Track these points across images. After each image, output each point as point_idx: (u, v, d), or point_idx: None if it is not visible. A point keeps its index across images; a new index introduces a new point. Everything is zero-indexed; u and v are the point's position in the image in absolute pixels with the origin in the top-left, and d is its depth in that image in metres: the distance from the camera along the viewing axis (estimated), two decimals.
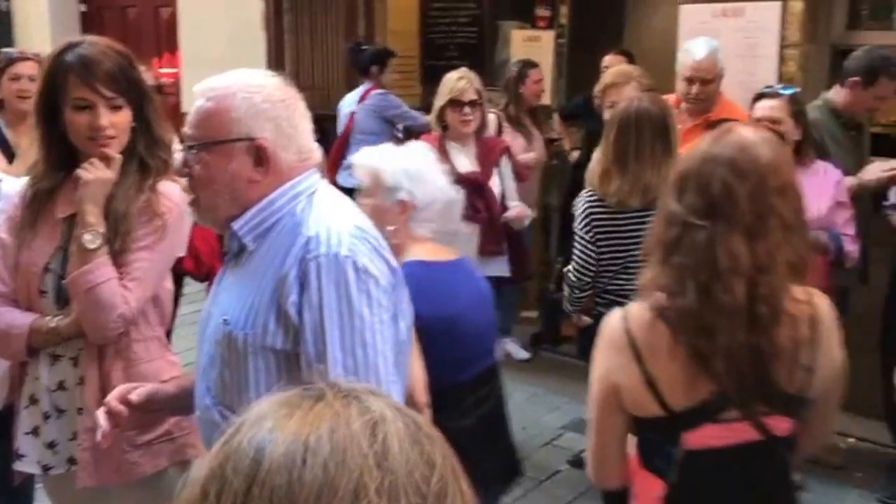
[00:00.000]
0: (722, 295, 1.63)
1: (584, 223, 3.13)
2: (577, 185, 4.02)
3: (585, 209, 3.13)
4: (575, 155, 5.19)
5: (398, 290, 1.73)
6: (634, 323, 1.72)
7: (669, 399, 1.68)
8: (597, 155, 3.24)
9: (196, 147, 1.71)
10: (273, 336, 1.64)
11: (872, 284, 3.71)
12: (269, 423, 0.77)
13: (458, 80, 3.87)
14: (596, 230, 3.12)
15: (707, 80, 3.77)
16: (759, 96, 3.40)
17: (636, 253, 3.05)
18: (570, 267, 3.22)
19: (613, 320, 1.77)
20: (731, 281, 1.63)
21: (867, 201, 3.72)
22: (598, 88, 3.71)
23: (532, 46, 5.80)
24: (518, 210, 4.03)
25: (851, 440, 4.35)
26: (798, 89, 3.52)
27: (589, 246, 3.14)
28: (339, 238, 1.62)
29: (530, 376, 5.01)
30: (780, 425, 1.72)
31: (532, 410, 4.65)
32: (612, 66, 4.85)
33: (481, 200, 3.93)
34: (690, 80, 3.77)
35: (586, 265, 3.16)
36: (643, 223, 3.02)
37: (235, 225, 1.71)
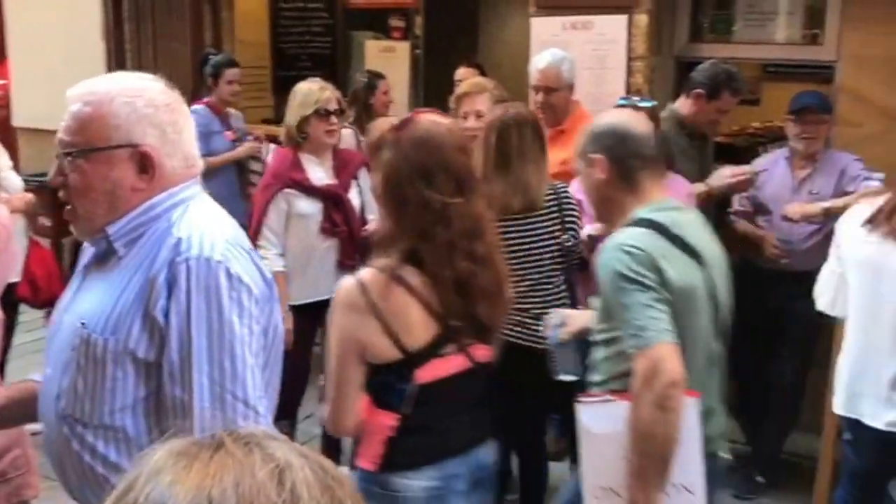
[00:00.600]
0: (468, 252, 2.03)
1: None
2: None
3: None
4: None
5: (271, 303, 1.67)
6: (371, 285, 2.02)
7: (406, 343, 2.02)
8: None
9: (73, 154, 1.61)
10: (136, 342, 1.56)
11: None
12: (168, 477, 0.71)
13: (321, 90, 3.76)
14: None
15: (551, 89, 3.83)
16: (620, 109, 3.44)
17: (521, 258, 3.10)
18: None
19: (349, 286, 2.05)
20: (477, 240, 2.05)
21: (711, 208, 3.85)
22: (452, 99, 3.70)
23: (387, 57, 5.76)
24: (377, 224, 3.95)
25: None
26: (655, 102, 3.61)
27: None
28: (212, 243, 1.58)
29: None
30: (481, 353, 2.17)
31: None
32: (465, 78, 4.86)
33: (340, 214, 3.83)
34: (536, 89, 3.86)
35: None
36: (525, 227, 3.08)
37: (111, 229, 1.62)
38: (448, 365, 2.09)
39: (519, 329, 3.15)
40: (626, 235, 2.19)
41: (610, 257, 2.18)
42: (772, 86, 6.29)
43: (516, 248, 3.10)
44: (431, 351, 2.05)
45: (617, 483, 2.12)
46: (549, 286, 3.22)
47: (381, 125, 2.16)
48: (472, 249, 2.04)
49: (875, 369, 2.70)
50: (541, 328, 3.15)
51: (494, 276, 2.12)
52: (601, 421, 2.16)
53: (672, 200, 2.37)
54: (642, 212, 2.24)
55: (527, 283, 3.15)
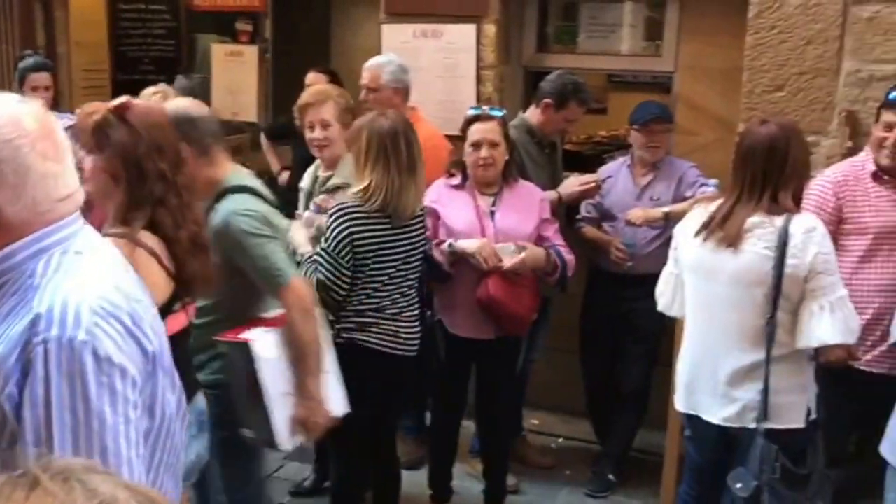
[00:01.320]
0: (194, 215, 2.26)
1: (341, 240, 3.02)
2: (288, 207, 3.90)
3: (344, 225, 3.02)
4: (285, 176, 5.05)
5: (155, 377, 1.46)
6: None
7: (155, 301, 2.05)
8: (346, 171, 3.28)
9: None
10: None
11: (570, 292, 3.94)
12: None
13: (153, 95, 3.60)
14: (356, 245, 3.02)
15: (371, 89, 4.05)
16: (474, 119, 3.46)
17: (398, 265, 3.09)
18: (318, 287, 3.05)
19: None
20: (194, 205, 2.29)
21: (561, 214, 3.94)
22: (295, 108, 3.63)
23: (235, 62, 5.59)
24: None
25: (560, 440, 4.61)
26: (505, 111, 3.66)
27: (344, 262, 3.03)
28: (76, 317, 1.34)
29: None
30: (192, 310, 2.36)
31: None
32: (314, 83, 4.77)
33: None
34: (361, 87, 4.09)
35: (341, 282, 3.05)
36: (403, 234, 3.10)
37: None
38: (176, 321, 2.21)
39: (390, 338, 3.12)
40: (236, 202, 2.60)
41: (229, 223, 2.57)
42: (617, 95, 6.51)
43: (394, 254, 3.08)
44: (168, 308, 2.15)
45: (288, 388, 2.65)
46: (414, 294, 3.21)
47: (89, 109, 2.18)
48: (195, 213, 2.30)
49: (711, 367, 2.82)
50: (410, 336, 3.15)
51: (206, 237, 2.35)
52: (269, 347, 2.60)
53: (241, 168, 2.84)
54: (233, 180, 2.66)
55: (401, 290, 3.13)
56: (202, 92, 4.89)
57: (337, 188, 3.45)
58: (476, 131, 3.42)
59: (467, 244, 3.38)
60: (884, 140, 3.16)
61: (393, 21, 4.67)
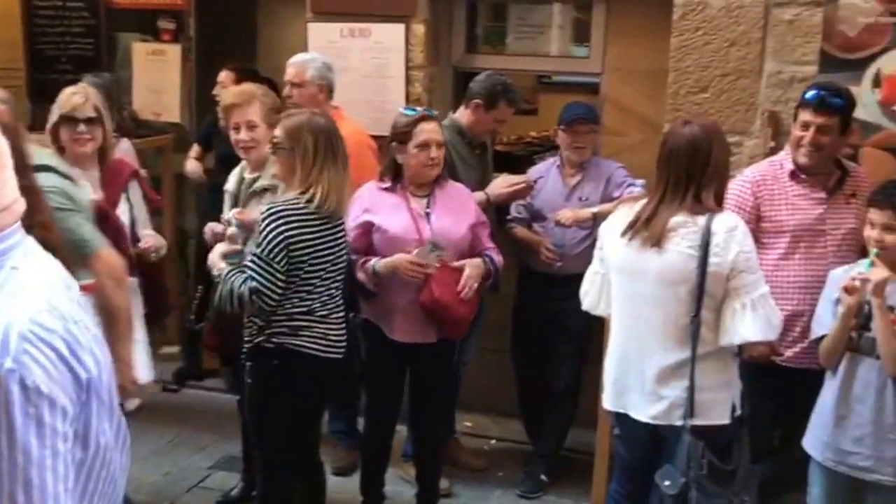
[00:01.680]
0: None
1: (277, 244, 2.93)
2: (214, 208, 3.81)
3: (279, 229, 2.94)
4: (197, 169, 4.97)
5: (89, 406, 1.38)
6: None
7: None
8: (271, 172, 3.23)
9: None
10: None
11: (502, 293, 3.94)
12: None
13: (72, 95, 3.47)
14: (291, 248, 2.95)
15: (295, 84, 4.01)
16: (420, 119, 3.39)
17: (332, 264, 3.03)
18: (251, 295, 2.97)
19: None
20: None
21: (491, 215, 3.93)
22: (220, 109, 3.54)
23: (157, 61, 5.45)
24: (151, 241, 3.69)
25: (493, 442, 4.60)
26: (436, 112, 3.63)
27: (279, 267, 2.95)
28: (4, 342, 1.25)
29: (172, 417, 4.69)
30: None
31: (175, 454, 4.34)
32: (226, 82, 4.68)
33: (107, 231, 3.54)
34: (285, 83, 4.07)
35: (275, 287, 2.97)
36: (335, 233, 3.04)
37: None
38: None
39: (321, 341, 3.07)
40: (39, 180, 2.65)
41: None
42: (548, 96, 6.55)
43: (326, 254, 3.04)
44: None
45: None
46: (339, 295, 3.16)
47: None
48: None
49: (638, 366, 2.83)
50: (339, 337, 3.10)
51: None
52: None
53: (42, 147, 3.02)
54: (37, 160, 2.63)
55: (329, 292, 3.09)
56: (116, 89, 4.76)
57: (265, 190, 3.38)
58: (423, 131, 3.38)
59: (387, 264, 3.35)
60: (801, 139, 3.23)
61: (320, 20, 4.61)
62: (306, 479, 3.37)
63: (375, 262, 3.36)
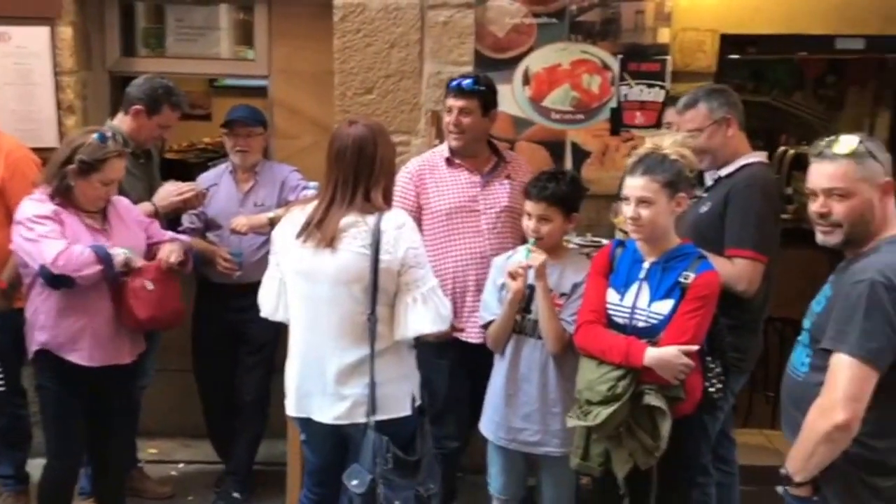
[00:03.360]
0: None
1: None
2: None
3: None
4: None
5: None
6: None
7: None
8: None
9: None
10: None
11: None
12: None
13: None
14: None
15: None
16: (117, 154, 3.16)
17: None
18: None
19: None
20: None
21: (164, 226, 3.72)
22: None
23: None
24: None
25: (181, 466, 4.37)
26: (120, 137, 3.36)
27: None
28: None
29: None
30: None
31: None
32: None
33: None
34: None
35: None
36: None
37: None
38: None
39: None
40: None
41: None
42: (221, 100, 6.34)
43: None
44: None
45: None
46: None
47: None
48: None
49: (319, 367, 2.80)
50: None
51: None
52: None
53: None
54: None
55: None
56: None
57: None
58: (114, 169, 3.18)
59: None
60: (448, 124, 3.42)
61: None
62: None
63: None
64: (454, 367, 3.43)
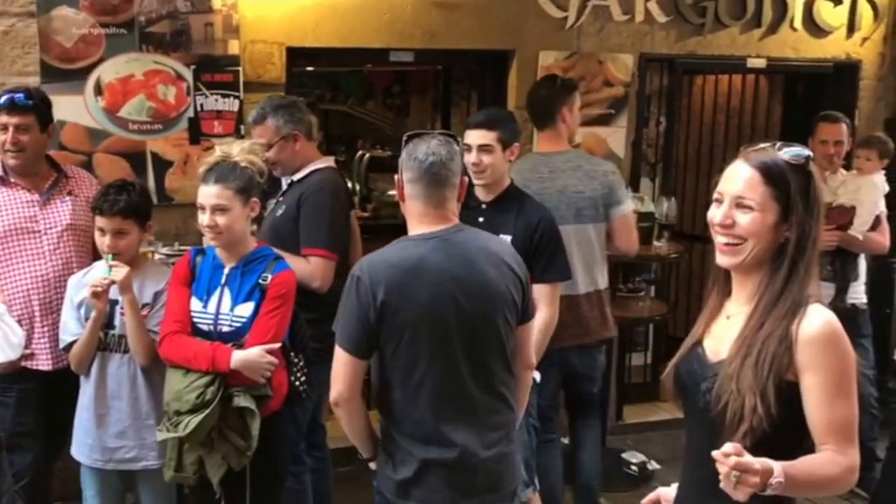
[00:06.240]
0: None
1: None
2: None
3: None
4: None
5: None
6: None
7: None
8: None
9: None
10: None
11: None
12: None
13: None
14: None
15: None
16: None
17: None
18: None
19: None
20: None
21: None
22: None
23: None
24: None
25: None
26: None
27: None
28: None
29: None
30: None
31: None
32: None
33: None
34: None
35: None
36: None
37: None
38: None
39: None
40: None
41: None
42: None
43: None
44: None
45: None
46: None
47: None
48: None
49: None
50: None
51: None
52: None
53: None
54: None
55: None
56: None
57: None
58: None
59: None
60: (3, 142, 3.21)
61: None
62: None
63: None
64: (24, 399, 3.24)
